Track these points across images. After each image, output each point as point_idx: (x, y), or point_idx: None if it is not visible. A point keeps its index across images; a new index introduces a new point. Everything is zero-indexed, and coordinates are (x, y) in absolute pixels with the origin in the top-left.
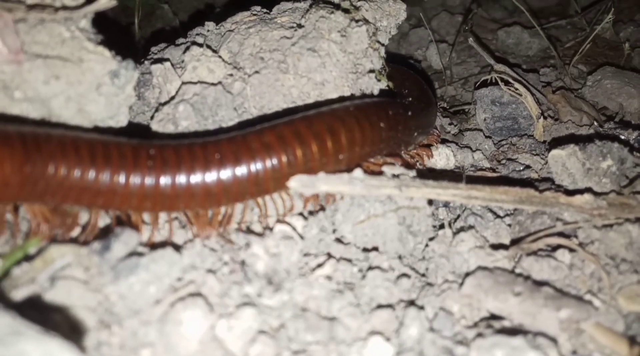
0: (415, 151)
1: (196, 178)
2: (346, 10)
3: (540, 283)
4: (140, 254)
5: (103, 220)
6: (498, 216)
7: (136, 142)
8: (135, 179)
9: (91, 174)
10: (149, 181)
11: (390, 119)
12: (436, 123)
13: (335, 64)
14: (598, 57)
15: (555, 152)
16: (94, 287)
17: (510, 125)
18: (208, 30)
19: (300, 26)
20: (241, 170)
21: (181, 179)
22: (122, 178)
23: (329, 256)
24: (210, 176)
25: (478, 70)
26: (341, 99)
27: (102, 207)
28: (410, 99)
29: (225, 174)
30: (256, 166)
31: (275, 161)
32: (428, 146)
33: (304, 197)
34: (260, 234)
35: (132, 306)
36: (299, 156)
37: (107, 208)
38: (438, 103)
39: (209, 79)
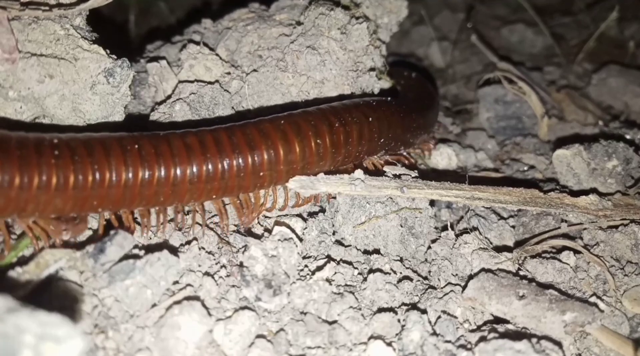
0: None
1: (114, 173)
2: (346, 7)
3: (544, 286)
4: (136, 256)
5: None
6: (502, 218)
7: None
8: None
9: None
10: (56, 177)
11: (342, 133)
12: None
13: (335, 62)
14: (603, 55)
15: (559, 152)
16: (89, 291)
17: (514, 124)
18: (205, 28)
19: (299, 23)
20: (161, 169)
21: (95, 174)
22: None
23: (329, 258)
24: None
25: (481, 68)
26: (341, 97)
27: (7, 215)
28: (385, 98)
29: (144, 170)
30: (176, 170)
31: (195, 168)
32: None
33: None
34: (258, 236)
35: (128, 310)
36: (233, 166)
37: (10, 215)
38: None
39: (206, 78)
